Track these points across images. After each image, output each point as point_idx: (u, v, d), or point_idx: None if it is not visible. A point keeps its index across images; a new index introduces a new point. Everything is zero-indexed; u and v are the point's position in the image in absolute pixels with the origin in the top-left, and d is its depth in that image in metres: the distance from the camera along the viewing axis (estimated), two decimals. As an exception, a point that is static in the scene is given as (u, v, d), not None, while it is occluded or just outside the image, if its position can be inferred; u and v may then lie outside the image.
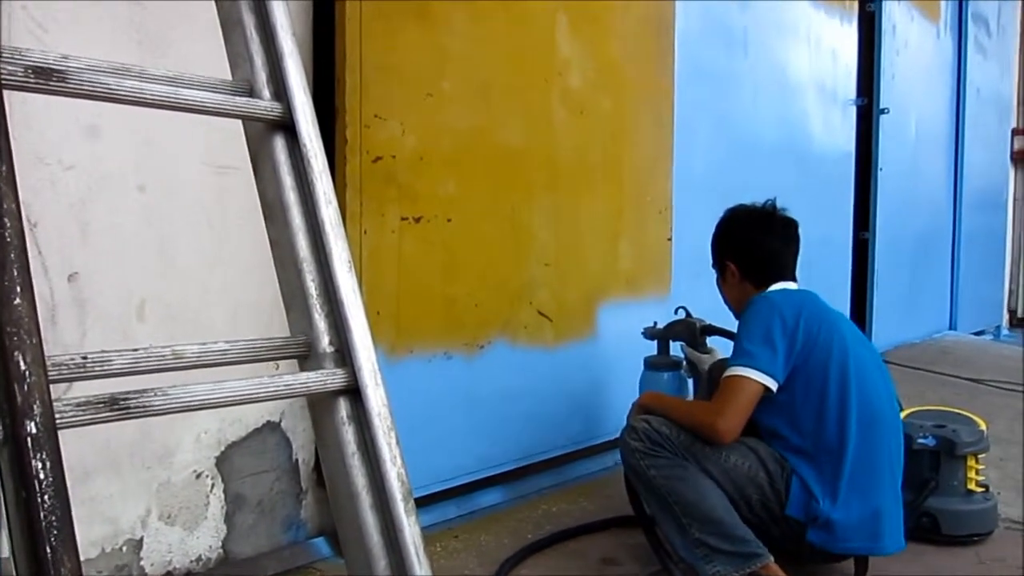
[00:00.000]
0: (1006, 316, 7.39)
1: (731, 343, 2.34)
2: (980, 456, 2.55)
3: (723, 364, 2.24)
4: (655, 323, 2.68)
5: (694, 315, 2.64)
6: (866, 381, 2.13)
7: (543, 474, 2.93)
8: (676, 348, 2.69)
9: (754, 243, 2.31)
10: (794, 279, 2.31)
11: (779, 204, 2.34)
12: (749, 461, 2.10)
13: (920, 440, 2.53)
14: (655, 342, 2.71)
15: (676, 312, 2.65)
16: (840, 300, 4.74)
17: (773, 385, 2.05)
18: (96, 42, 1.84)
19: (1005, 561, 2.41)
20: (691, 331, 2.59)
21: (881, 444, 2.11)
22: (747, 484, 2.09)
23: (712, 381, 2.34)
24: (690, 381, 2.65)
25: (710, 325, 2.59)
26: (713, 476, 2.08)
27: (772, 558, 2.02)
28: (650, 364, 2.67)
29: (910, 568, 2.34)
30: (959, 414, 2.73)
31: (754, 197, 2.36)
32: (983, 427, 2.61)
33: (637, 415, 2.24)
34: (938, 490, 2.50)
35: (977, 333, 6.46)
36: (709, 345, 2.59)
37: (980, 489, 2.55)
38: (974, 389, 4.36)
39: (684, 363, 2.63)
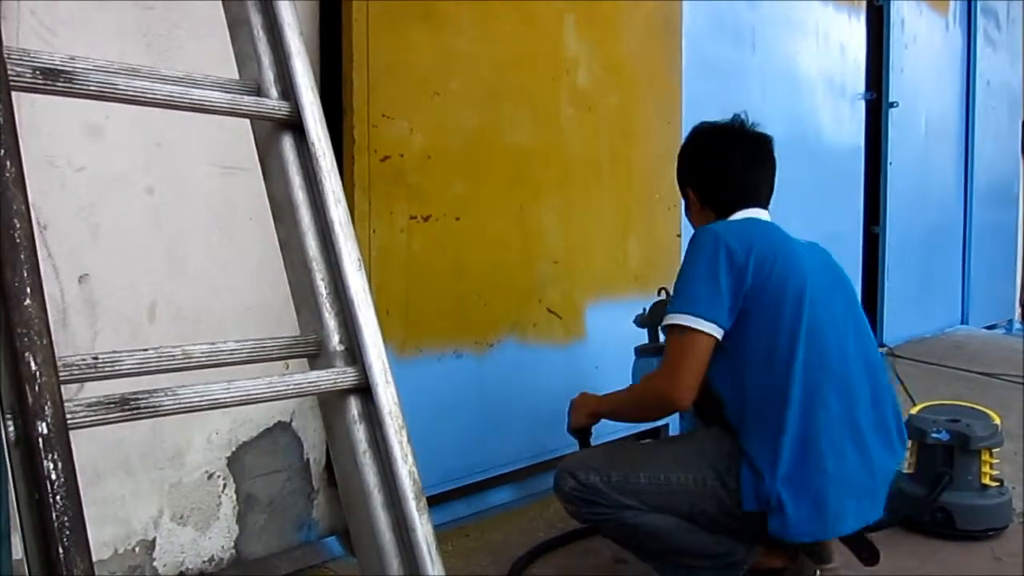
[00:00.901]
0: (1018, 310, 7.35)
1: None
2: (994, 450, 2.53)
3: (663, 305, 2.06)
4: (644, 309, 2.56)
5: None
6: (825, 326, 1.84)
7: (554, 472, 2.92)
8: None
9: (713, 163, 2.03)
10: (764, 207, 2.03)
11: (750, 119, 2.06)
12: (690, 473, 1.87)
13: (934, 435, 2.52)
14: (646, 330, 2.56)
15: (659, 293, 2.51)
16: (851, 295, 4.72)
17: (718, 333, 1.80)
18: (105, 45, 1.84)
19: (1021, 556, 2.39)
20: None
21: (834, 400, 1.82)
22: (697, 498, 1.86)
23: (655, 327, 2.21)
24: None
25: None
26: (659, 507, 1.87)
27: (758, 550, 1.93)
28: (640, 351, 2.51)
29: (925, 564, 2.33)
30: (973, 408, 2.71)
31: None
32: (997, 421, 2.59)
33: (578, 430, 2.10)
34: (952, 485, 2.49)
35: (989, 327, 6.42)
36: None
37: (994, 483, 2.54)
38: (987, 383, 4.33)
39: None
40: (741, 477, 1.84)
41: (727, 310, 1.81)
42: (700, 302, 1.81)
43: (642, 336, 2.60)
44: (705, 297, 1.81)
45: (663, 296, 2.46)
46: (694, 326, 1.80)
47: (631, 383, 2.40)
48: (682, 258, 1.93)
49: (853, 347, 1.91)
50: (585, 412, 2.12)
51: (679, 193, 3.16)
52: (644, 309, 2.54)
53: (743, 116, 2.06)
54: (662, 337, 2.48)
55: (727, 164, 2.02)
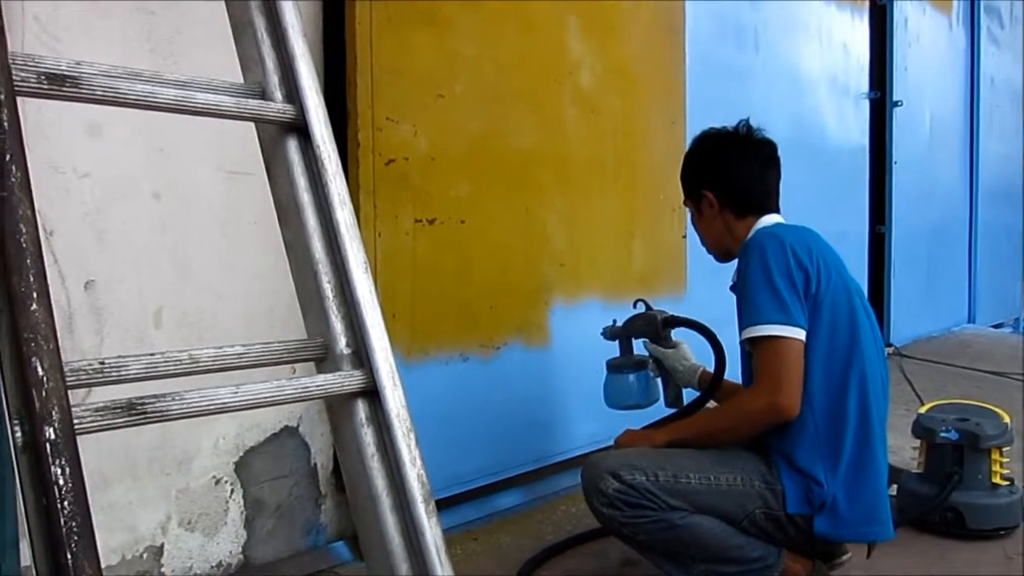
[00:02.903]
0: (1025, 308, 7.33)
1: (698, 335, 2.19)
2: (1004, 449, 2.52)
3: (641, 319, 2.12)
4: (614, 321, 2.38)
5: (655, 307, 2.36)
6: (866, 328, 1.91)
7: (562, 475, 2.92)
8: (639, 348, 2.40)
9: (732, 166, 2.05)
10: (778, 210, 2.07)
11: (755, 124, 2.09)
12: (737, 474, 1.87)
13: (943, 434, 2.51)
14: (617, 342, 2.37)
15: (635, 306, 2.36)
16: (857, 295, 4.72)
17: (804, 337, 1.82)
18: (108, 51, 1.84)
19: (1032, 555, 2.38)
20: (652, 325, 2.31)
21: (875, 404, 1.88)
22: (745, 499, 1.87)
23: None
24: (658, 381, 2.35)
25: (673, 316, 2.32)
26: (708, 507, 1.85)
27: (785, 556, 1.92)
28: (612, 366, 2.34)
29: (936, 564, 2.31)
30: (982, 407, 2.69)
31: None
32: (1006, 420, 2.58)
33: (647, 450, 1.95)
34: (962, 484, 2.47)
35: (996, 326, 6.41)
36: (674, 339, 2.33)
37: (1005, 482, 2.52)
38: (996, 382, 4.32)
39: (650, 362, 2.33)
40: (783, 479, 1.87)
41: (806, 314, 1.84)
42: (786, 309, 1.81)
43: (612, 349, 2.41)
44: (789, 303, 1.81)
45: (641, 308, 2.36)
46: (788, 335, 1.81)
47: (606, 400, 2.34)
48: (746, 267, 1.90)
49: (876, 350, 1.94)
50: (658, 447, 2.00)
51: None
52: (613, 321, 2.39)
53: (748, 121, 2.09)
54: (639, 348, 2.35)
55: (747, 167, 2.05)
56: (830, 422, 1.86)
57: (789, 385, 1.80)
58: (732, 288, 2.04)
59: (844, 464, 1.85)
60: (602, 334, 2.39)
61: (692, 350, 2.31)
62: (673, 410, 2.32)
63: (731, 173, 2.05)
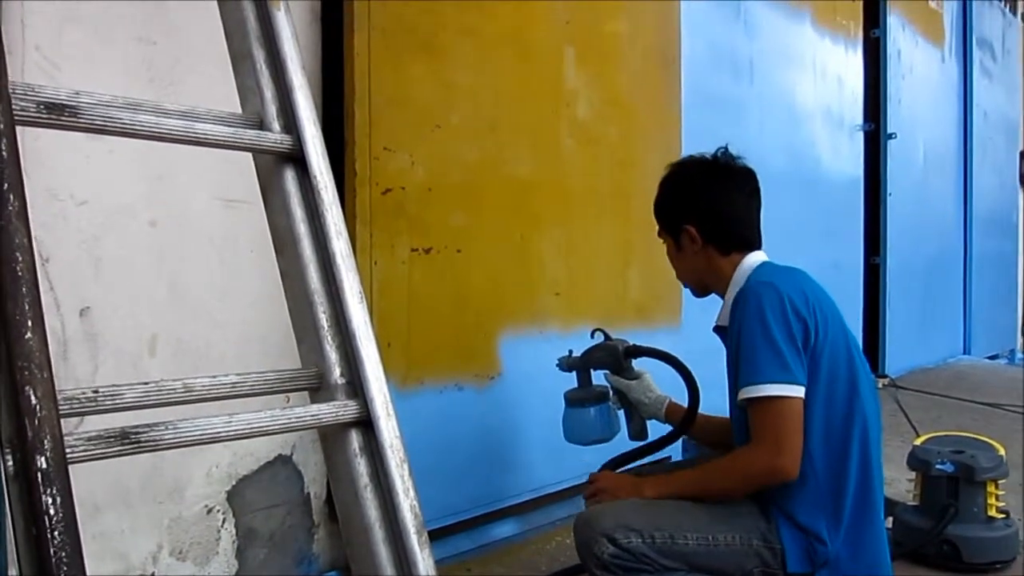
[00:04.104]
0: (1020, 340, 7.34)
1: (664, 365, 2.12)
2: (1000, 482, 2.51)
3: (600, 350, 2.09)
4: (570, 351, 2.28)
5: (615, 336, 2.27)
6: (863, 373, 1.85)
7: (557, 505, 2.90)
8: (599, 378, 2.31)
9: (717, 200, 1.93)
10: (761, 246, 1.97)
11: (735, 152, 1.98)
12: (735, 532, 1.80)
13: (938, 466, 2.50)
14: (575, 373, 2.28)
15: (593, 335, 2.27)
16: (852, 326, 4.72)
17: (803, 393, 1.75)
18: (109, 80, 1.85)
19: (1029, 589, 2.37)
20: (613, 355, 2.21)
21: (875, 454, 1.84)
22: (743, 559, 1.80)
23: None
24: (621, 414, 2.26)
25: (634, 346, 2.22)
26: (705, 568, 1.79)
27: None
28: (570, 400, 2.24)
29: (932, 597, 2.30)
30: (977, 439, 2.69)
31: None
32: (1002, 452, 2.57)
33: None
34: (958, 517, 2.46)
35: (991, 357, 6.41)
36: (636, 369, 2.23)
37: (1000, 515, 2.51)
38: (991, 414, 4.31)
39: (611, 394, 2.24)
40: (782, 537, 1.80)
41: (805, 368, 1.77)
42: (786, 366, 1.74)
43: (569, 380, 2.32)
44: (789, 360, 1.74)
45: (601, 338, 2.27)
46: (789, 394, 1.73)
47: (565, 436, 2.25)
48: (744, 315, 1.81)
49: (871, 394, 1.88)
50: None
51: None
52: (570, 351, 2.29)
53: (727, 149, 1.99)
54: (598, 379, 2.25)
55: (732, 201, 1.96)
56: (831, 477, 1.80)
57: (790, 448, 1.73)
58: (715, 330, 1.99)
59: (846, 519, 1.79)
60: (557, 365, 2.29)
61: (655, 380, 2.23)
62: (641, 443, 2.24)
63: (717, 207, 1.94)
